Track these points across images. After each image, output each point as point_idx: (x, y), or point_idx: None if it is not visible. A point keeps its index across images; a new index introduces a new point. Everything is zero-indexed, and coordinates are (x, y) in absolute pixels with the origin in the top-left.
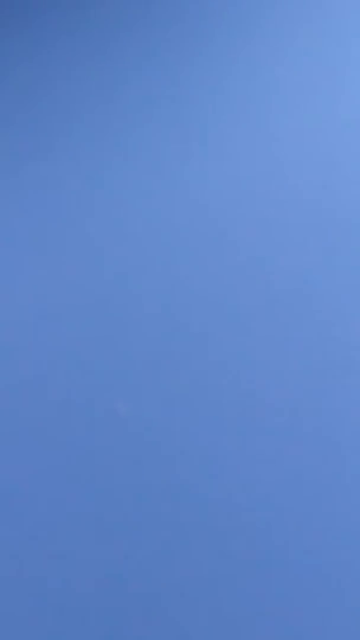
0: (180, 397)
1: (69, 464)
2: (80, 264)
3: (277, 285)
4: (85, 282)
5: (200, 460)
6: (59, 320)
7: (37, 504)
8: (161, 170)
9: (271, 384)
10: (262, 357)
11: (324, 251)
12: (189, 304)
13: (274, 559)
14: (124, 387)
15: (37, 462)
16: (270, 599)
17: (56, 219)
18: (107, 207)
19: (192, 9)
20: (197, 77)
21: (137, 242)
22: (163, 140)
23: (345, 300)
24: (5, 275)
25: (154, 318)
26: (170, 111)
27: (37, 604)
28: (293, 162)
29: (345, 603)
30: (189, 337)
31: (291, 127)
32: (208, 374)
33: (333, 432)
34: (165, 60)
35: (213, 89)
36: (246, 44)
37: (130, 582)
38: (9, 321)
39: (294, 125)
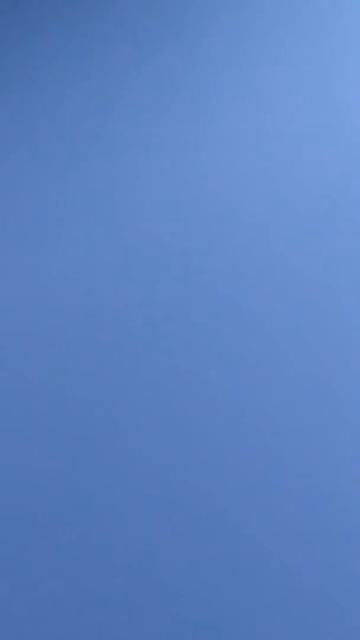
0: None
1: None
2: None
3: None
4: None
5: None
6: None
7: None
8: (162, 169)
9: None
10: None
11: (328, 248)
12: (193, 297)
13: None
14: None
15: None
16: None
17: (56, 217)
18: (109, 205)
19: (190, 9)
20: (199, 72)
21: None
22: (164, 136)
23: (348, 294)
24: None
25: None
26: (172, 106)
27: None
28: (294, 153)
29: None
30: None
31: (291, 120)
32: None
33: None
34: (167, 53)
35: (214, 84)
36: (245, 40)
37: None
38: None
39: (294, 118)
